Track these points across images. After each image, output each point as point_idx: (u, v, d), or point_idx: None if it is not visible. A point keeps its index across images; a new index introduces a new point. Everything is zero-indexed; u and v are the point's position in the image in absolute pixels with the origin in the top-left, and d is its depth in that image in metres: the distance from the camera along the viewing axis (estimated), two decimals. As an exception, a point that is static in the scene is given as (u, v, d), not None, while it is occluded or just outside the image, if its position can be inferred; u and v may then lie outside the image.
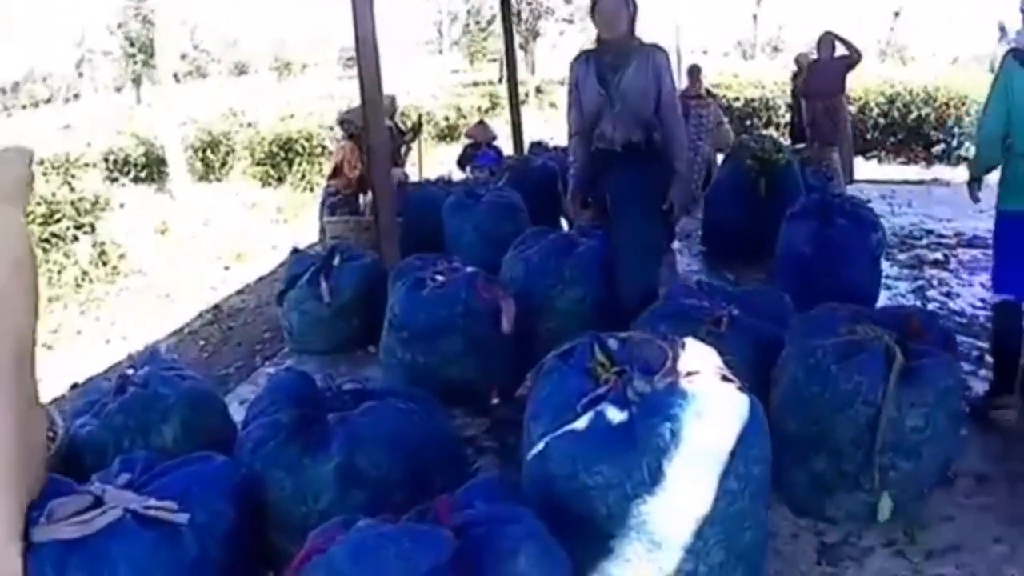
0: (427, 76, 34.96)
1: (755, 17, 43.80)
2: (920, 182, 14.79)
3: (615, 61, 5.45)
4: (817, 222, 6.55)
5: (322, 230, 9.37)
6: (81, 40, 37.04)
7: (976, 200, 5.20)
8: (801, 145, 11.39)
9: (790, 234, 6.71)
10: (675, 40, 25.10)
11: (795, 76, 14.34)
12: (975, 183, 5.16)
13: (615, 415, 2.97)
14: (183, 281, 11.75)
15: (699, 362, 3.16)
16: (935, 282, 8.08)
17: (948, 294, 7.71)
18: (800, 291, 5.65)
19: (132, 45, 45.01)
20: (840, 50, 11.77)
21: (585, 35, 42.66)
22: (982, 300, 7.33)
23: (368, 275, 6.73)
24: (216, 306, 10.16)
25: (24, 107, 54.67)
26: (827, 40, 11.92)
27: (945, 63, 45.32)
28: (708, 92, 13.64)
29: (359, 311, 6.65)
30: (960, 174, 17.00)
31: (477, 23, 42.89)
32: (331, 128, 17.59)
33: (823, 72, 11.94)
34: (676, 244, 8.85)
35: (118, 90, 57.36)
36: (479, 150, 11.62)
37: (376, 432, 3.49)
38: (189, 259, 13.03)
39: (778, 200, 7.87)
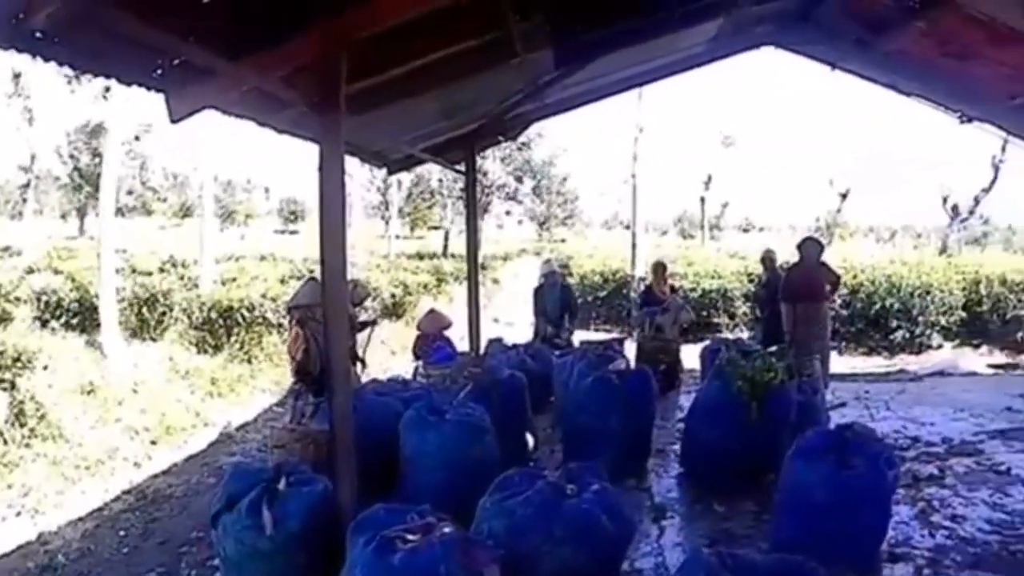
0: (371, 240, 34.93)
1: (703, 200, 44.33)
2: (887, 375, 14.62)
3: None
4: (832, 463, 5.97)
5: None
6: (31, 163, 36.89)
7: None
8: (774, 348, 10.99)
9: (798, 473, 6.11)
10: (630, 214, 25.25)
11: (764, 273, 14.25)
12: None
13: None
14: (105, 452, 11.07)
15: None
16: (936, 503, 7.59)
17: (954, 518, 7.21)
18: (808, 534, 5.61)
19: (80, 175, 45.14)
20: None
21: (529, 214, 43.23)
22: (989, 522, 7.01)
23: (318, 506, 5.91)
24: (140, 488, 9.47)
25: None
26: (811, 245, 11.68)
27: (883, 239, 46.27)
28: (672, 288, 13.44)
29: (306, 548, 5.79)
30: (924, 360, 16.90)
31: (422, 193, 42.97)
32: (274, 300, 17.03)
33: (807, 277, 11.65)
34: (650, 463, 8.30)
35: (63, 217, 57.35)
36: (432, 343, 11.10)
37: None
38: (114, 427, 12.39)
39: (771, 422, 7.50)
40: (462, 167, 12.60)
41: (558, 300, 13.32)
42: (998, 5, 11.41)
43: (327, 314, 6.08)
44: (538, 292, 13.55)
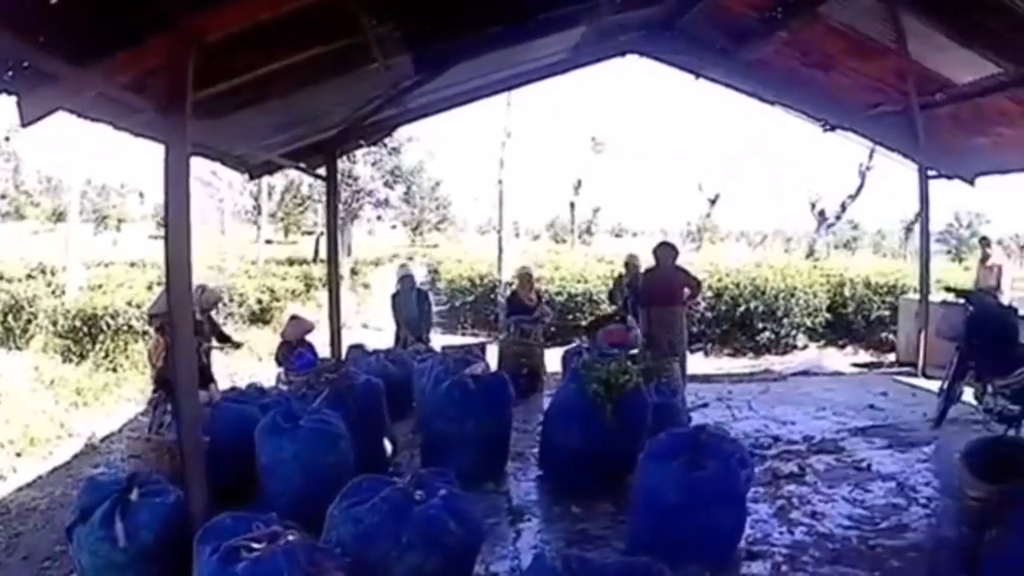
0: (242, 245, 34.44)
1: (573, 205, 44.56)
2: (752, 375, 14.85)
3: None
4: (683, 464, 6.04)
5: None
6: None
7: None
8: (635, 351, 11.06)
9: (651, 474, 6.18)
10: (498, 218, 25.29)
11: (620, 278, 14.36)
12: None
13: None
14: (-32, 465, 10.84)
15: None
16: (796, 500, 7.75)
17: (814, 514, 7.37)
18: (662, 535, 5.67)
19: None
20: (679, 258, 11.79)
21: (402, 219, 43.04)
22: (849, 518, 7.19)
23: (171, 517, 5.81)
24: (3, 502, 9.44)
25: None
26: (666, 249, 11.78)
27: (753, 243, 47.05)
28: (538, 295, 13.49)
29: (159, 559, 5.70)
30: (789, 361, 17.24)
31: (294, 198, 42.49)
32: (139, 307, 16.78)
33: (662, 282, 11.78)
34: (510, 466, 8.30)
35: (-63, 221, 55.66)
36: (293, 349, 10.99)
37: None
38: (-23, 439, 12.00)
39: (626, 424, 7.55)
40: (323, 172, 12.51)
41: (415, 305, 13.33)
42: (859, 17, 11.72)
43: (173, 319, 5.96)
44: (395, 298, 13.56)
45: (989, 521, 5.44)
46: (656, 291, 11.81)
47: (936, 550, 6.51)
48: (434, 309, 14.65)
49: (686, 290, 11.89)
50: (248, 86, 7.32)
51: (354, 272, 30.18)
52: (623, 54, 14.40)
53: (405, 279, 13.45)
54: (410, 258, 30.58)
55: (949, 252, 41.20)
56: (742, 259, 23.73)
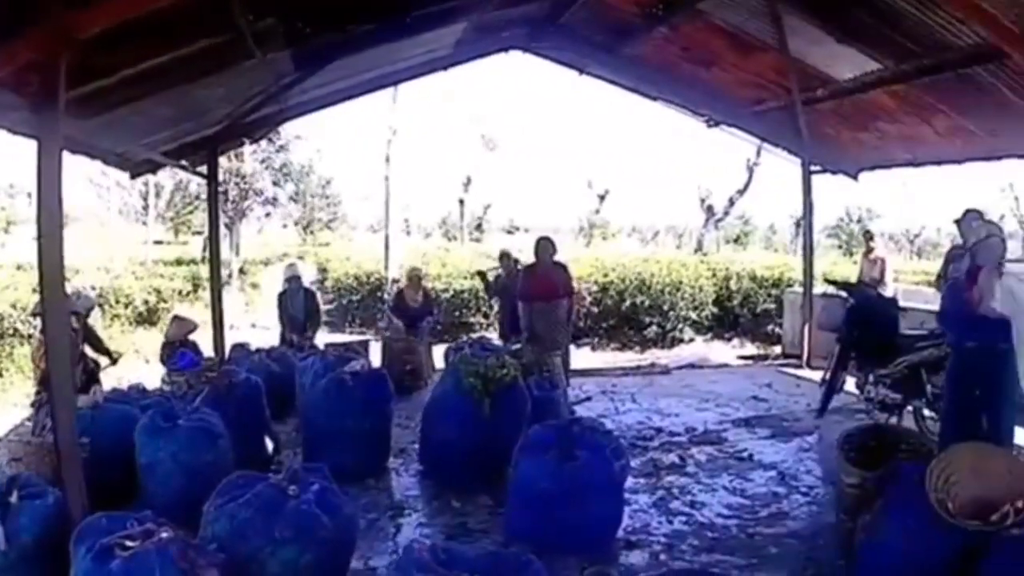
0: (131, 246, 33.77)
1: (462, 202, 44.40)
2: (638, 368, 14.96)
3: None
4: (555, 456, 6.16)
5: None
6: None
7: None
8: (517, 345, 11.10)
9: (525, 468, 6.28)
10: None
11: (485, 275, 14.44)
12: None
13: None
14: None
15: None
16: (676, 490, 7.87)
17: (693, 504, 7.52)
18: (539, 527, 5.75)
19: None
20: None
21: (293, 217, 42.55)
22: (728, 507, 7.35)
23: (50, 519, 5.71)
24: None
25: None
26: (544, 244, 11.82)
27: (646, 239, 47.42)
28: (426, 295, 13.49)
29: (39, 561, 5.59)
30: (676, 354, 17.43)
31: (184, 197, 41.79)
32: (24, 310, 16.50)
33: (541, 276, 11.82)
34: (391, 462, 8.33)
35: None
36: (176, 350, 10.89)
37: None
38: None
39: (505, 418, 7.63)
40: (205, 170, 12.41)
41: (301, 305, 13.28)
42: (739, 14, 11.92)
43: (45, 321, 5.92)
44: (282, 297, 13.46)
45: (863, 506, 5.63)
46: (535, 286, 11.82)
47: (814, 536, 6.69)
48: (322, 308, 14.55)
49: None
50: (127, 82, 7.23)
51: (243, 271, 29.77)
52: (506, 50, 14.46)
53: (292, 279, 13.38)
54: (301, 257, 30.22)
55: (840, 247, 41.97)
56: (630, 254, 23.84)
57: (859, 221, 42.72)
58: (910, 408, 9.42)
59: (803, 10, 11.31)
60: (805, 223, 15.70)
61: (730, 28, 12.49)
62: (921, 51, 10.70)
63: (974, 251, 7.14)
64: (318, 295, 14.18)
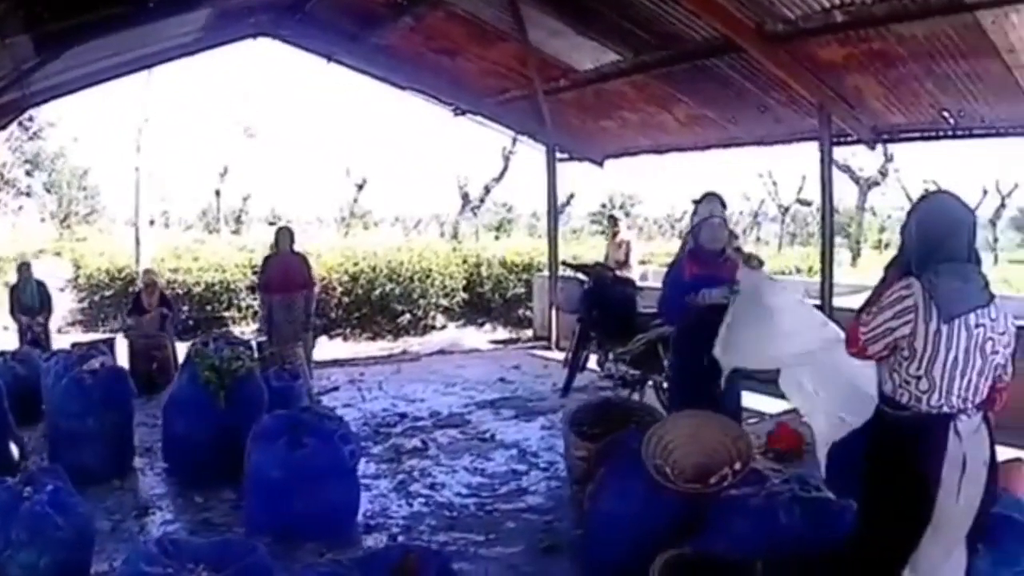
0: None
1: (218, 192, 43.30)
2: (389, 356, 15.06)
3: None
4: (284, 444, 6.23)
5: None
6: None
7: None
8: (263, 338, 11.11)
9: (256, 457, 6.33)
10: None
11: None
12: None
13: None
14: None
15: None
16: (417, 474, 8.03)
17: (433, 486, 7.69)
18: (275, 516, 5.81)
19: None
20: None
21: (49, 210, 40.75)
22: (468, 487, 7.57)
23: None
24: None
25: None
26: (285, 234, 11.79)
27: (408, 228, 47.42)
28: (162, 297, 13.18)
29: None
30: (428, 341, 17.61)
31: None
32: None
33: (281, 267, 11.77)
34: (137, 461, 8.23)
35: None
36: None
37: None
38: None
39: (242, 411, 7.55)
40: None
41: (34, 292, 12.97)
42: (478, 4, 12.15)
43: None
44: (14, 290, 13.13)
45: (590, 477, 5.97)
46: (275, 277, 11.72)
47: (552, 509, 6.99)
48: (54, 298, 14.05)
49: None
50: None
51: (-2, 268, 28.52)
52: (255, 36, 14.32)
53: (23, 267, 13.05)
54: (58, 253, 29.02)
55: (603, 232, 43.06)
56: (384, 244, 23.76)
57: (622, 207, 43.72)
58: (651, 383, 9.77)
59: (539, 1, 11.61)
60: (549, 209, 15.95)
61: (471, 18, 12.67)
62: (658, 43, 11.13)
63: (696, 231, 7.35)
64: (47, 285, 13.70)
